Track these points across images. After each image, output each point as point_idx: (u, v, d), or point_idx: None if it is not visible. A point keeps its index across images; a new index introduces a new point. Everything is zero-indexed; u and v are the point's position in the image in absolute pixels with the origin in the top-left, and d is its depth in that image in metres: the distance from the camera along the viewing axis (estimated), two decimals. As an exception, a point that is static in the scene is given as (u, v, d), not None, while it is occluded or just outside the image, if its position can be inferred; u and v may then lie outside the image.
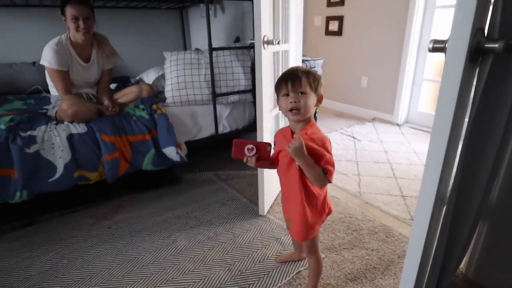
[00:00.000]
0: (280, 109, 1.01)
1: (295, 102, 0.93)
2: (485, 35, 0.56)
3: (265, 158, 0.97)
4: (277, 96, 1.00)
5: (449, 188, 0.76)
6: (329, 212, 1.07)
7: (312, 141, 0.93)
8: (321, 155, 0.91)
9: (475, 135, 0.68)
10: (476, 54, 0.55)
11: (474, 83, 0.61)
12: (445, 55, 0.56)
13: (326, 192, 1.05)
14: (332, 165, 0.92)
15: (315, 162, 0.91)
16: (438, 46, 0.58)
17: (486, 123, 0.67)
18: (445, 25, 2.77)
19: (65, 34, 1.80)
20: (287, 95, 0.94)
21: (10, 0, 2.36)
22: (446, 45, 0.57)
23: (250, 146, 0.96)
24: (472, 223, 0.86)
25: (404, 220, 1.62)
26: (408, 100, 3.16)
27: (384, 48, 3.17)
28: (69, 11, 1.70)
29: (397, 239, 1.47)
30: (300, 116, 0.95)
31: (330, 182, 0.93)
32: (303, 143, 0.88)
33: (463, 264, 1.24)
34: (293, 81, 0.93)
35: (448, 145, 0.60)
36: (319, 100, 0.97)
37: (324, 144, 0.93)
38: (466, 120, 0.68)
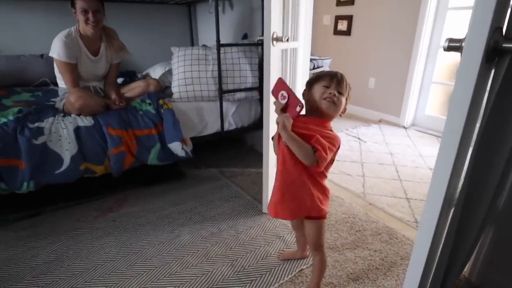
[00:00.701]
0: (307, 97, 1.01)
1: (335, 95, 0.96)
2: (503, 34, 0.55)
3: (291, 114, 0.93)
4: (311, 86, 1.00)
5: (458, 190, 0.75)
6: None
7: (314, 131, 0.93)
8: (312, 135, 0.92)
9: (487, 138, 0.67)
10: (493, 54, 0.54)
11: (489, 84, 0.60)
12: (461, 54, 0.55)
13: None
14: (323, 148, 0.90)
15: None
16: (453, 45, 0.58)
17: (499, 127, 0.66)
18: (457, 27, 2.74)
19: (75, 27, 1.81)
20: (328, 87, 0.97)
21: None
22: (463, 44, 0.56)
23: (284, 93, 0.94)
24: (479, 228, 0.85)
25: (408, 222, 1.61)
26: (415, 102, 3.13)
27: (393, 49, 3.15)
28: (79, 3, 1.71)
29: (401, 241, 1.46)
30: (331, 109, 0.96)
31: (318, 163, 0.90)
32: (291, 120, 0.90)
33: (466, 268, 1.23)
34: (338, 81, 0.98)
35: (459, 147, 0.59)
36: (344, 110, 1.02)
37: (329, 138, 0.93)
38: (478, 121, 0.67)
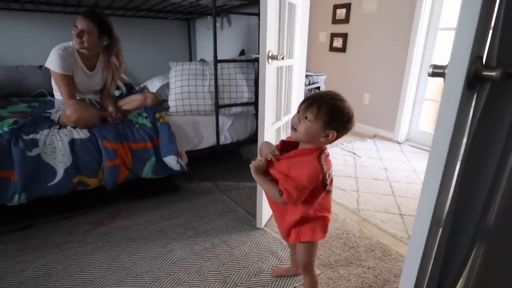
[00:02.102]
0: None
1: (297, 121, 0.93)
2: (483, 62, 0.57)
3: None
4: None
5: (446, 210, 0.76)
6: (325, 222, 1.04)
7: (289, 164, 0.94)
8: (281, 177, 0.94)
9: (472, 158, 0.69)
10: (474, 80, 0.56)
11: (472, 107, 0.62)
12: (444, 80, 0.58)
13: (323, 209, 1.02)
14: (288, 190, 0.90)
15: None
16: (437, 71, 0.60)
17: (483, 148, 0.68)
18: (447, 46, 2.82)
19: (74, 41, 1.84)
20: (298, 111, 0.95)
21: (21, 5, 2.42)
22: (445, 70, 0.58)
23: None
24: (469, 245, 0.86)
25: (402, 239, 1.61)
26: (409, 118, 3.18)
27: (387, 66, 3.22)
28: (78, 19, 1.75)
29: (394, 257, 1.46)
30: (295, 136, 0.96)
31: (281, 201, 0.93)
32: (259, 165, 0.98)
33: (458, 286, 1.23)
34: (308, 104, 0.91)
35: (445, 169, 0.61)
36: (326, 136, 0.91)
37: (300, 174, 0.91)
38: (465, 140, 0.69)
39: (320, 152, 0.94)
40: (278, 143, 1.06)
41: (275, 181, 0.97)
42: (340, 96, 0.94)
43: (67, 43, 1.82)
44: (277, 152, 0.98)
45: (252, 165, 0.99)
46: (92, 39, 1.79)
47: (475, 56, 0.55)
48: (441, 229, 0.76)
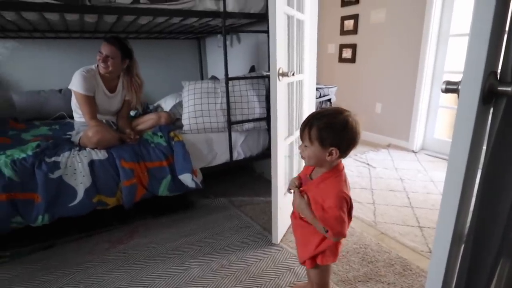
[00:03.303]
0: None
1: (302, 150, 0.96)
2: (498, 78, 0.57)
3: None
4: None
5: (467, 225, 0.75)
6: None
7: (320, 194, 0.94)
8: (318, 212, 0.93)
9: (492, 172, 0.68)
10: (489, 95, 0.56)
11: (489, 120, 0.62)
12: (458, 96, 0.58)
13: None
14: (334, 222, 0.89)
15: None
16: (451, 88, 0.60)
17: (504, 161, 0.67)
18: (460, 52, 2.79)
19: (96, 64, 1.92)
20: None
21: (41, 33, 2.54)
22: (459, 87, 0.58)
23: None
24: (493, 261, 0.83)
25: (422, 252, 1.57)
26: (423, 126, 3.13)
27: (398, 74, 3.20)
28: (102, 45, 1.84)
29: (415, 272, 1.42)
30: (309, 164, 0.97)
31: (334, 238, 0.93)
32: (305, 200, 0.96)
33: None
34: (300, 131, 0.95)
35: (464, 185, 0.60)
36: (330, 154, 0.90)
37: (334, 200, 0.90)
38: (483, 154, 0.68)
39: (337, 175, 0.95)
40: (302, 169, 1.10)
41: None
42: (329, 111, 0.93)
43: (90, 66, 1.90)
44: (296, 183, 1.02)
45: (295, 203, 1.00)
46: (116, 63, 1.89)
47: (489, 72, 0.55)
48: (463, 245, 0.74)
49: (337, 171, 0.95)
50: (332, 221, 0.89)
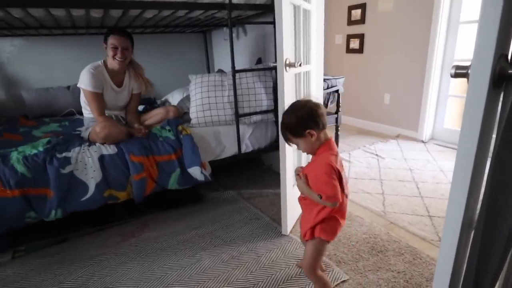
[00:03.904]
0: None
1: (298, 148, 1.12)
2: (509, 61, 0.56)
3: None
4: None
5: (477, 211, 0.74)
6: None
7: (315, 168, 1.08)
8: (313, 183, 1.07)
9: (503, 158, 0.67)
10: (499, 79, 0.55)
11: (500, 106, 0.61)
12: (468, 81, 0.57)
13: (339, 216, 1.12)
14: (325, 187, 1.01)
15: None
16: (460, 72, 0.59)
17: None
18: (470, 40, 2.72)
19: (102, 60, 1.93)
20: None
21: (48, 30, 2.57)
22: (469, 71, 0.57)
23: None
24: (504, 247, 0.82)
25: (432, 241, 1.56)
26: (433, 116, 3.09)
27: (407, 64, 3.15)
28: (111, 40, 1.84)
29: (425, 261, 1.42)
30: (308, 153, 1.12)
31: (329, 203, 1.02)
32: (303, 179, 1.09)
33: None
34: (285, 140, 1.14)
35: (474, 171, 0.60)
36: (311, 135, 1.04)
37: (323, 168, 1.03)
38: (493, 140, 0.67)
39: (326, 149, 1.07)
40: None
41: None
42: (291, 106, 1.09)
43: (97, 63, 1.92)
44: (299, 168, 1.18)
45: (297, 184, 1.15)
46: (130, 54, 1.94)
47: (500, 54, 0.54)
48: (473, 232, 0.74)
49: (328, 147, 1.07)
50: (323, 186, 1.02)
